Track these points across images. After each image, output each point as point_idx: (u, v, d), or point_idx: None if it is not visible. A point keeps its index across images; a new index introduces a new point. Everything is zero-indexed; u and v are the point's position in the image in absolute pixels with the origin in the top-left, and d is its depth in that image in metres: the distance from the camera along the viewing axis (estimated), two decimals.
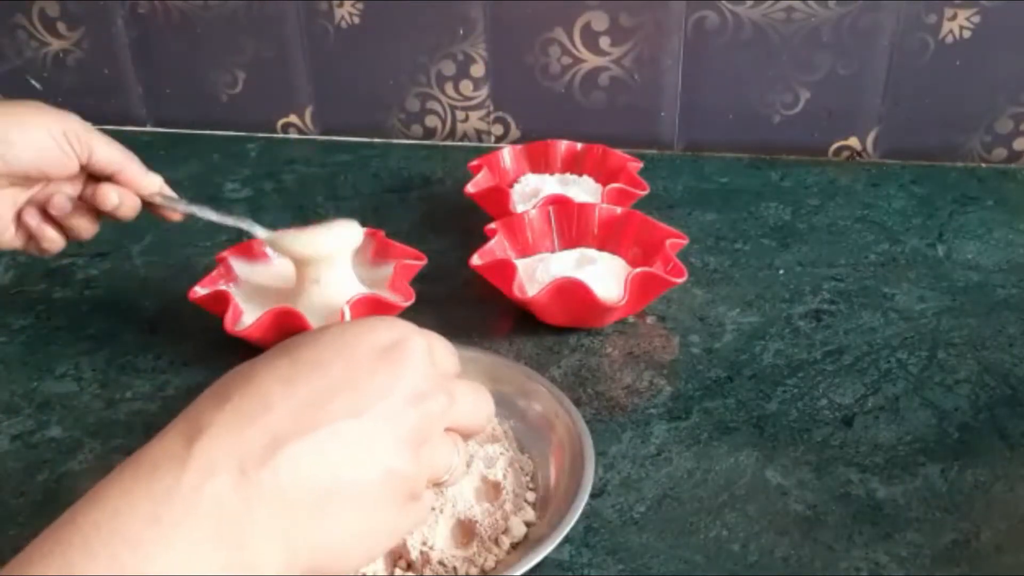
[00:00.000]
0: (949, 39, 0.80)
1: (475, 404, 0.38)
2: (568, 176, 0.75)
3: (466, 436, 0.39)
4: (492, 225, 0.64)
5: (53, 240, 0.56)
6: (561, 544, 0.41)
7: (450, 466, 0.37)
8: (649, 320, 0.61)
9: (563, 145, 0.77)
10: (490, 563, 0.41)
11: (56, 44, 0.93)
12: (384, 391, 0.34)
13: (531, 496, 0.45)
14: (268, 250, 0.63)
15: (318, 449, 0.32)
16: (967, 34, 0.79)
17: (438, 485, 0.38)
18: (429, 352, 0.36)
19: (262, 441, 0.32)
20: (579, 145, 0.77)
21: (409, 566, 0.41)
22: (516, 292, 0.57)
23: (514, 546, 0.42)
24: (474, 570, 0.41)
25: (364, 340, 0.36)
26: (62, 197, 0.55)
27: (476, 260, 0.60)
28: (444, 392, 0.36)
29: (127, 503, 0.30)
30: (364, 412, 0.33)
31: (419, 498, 0.36)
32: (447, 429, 0.37)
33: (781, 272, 0.67)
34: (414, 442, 0.34)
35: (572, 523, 0.41)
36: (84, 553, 0.28)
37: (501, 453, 0.46)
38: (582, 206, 0.65)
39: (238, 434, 0.32)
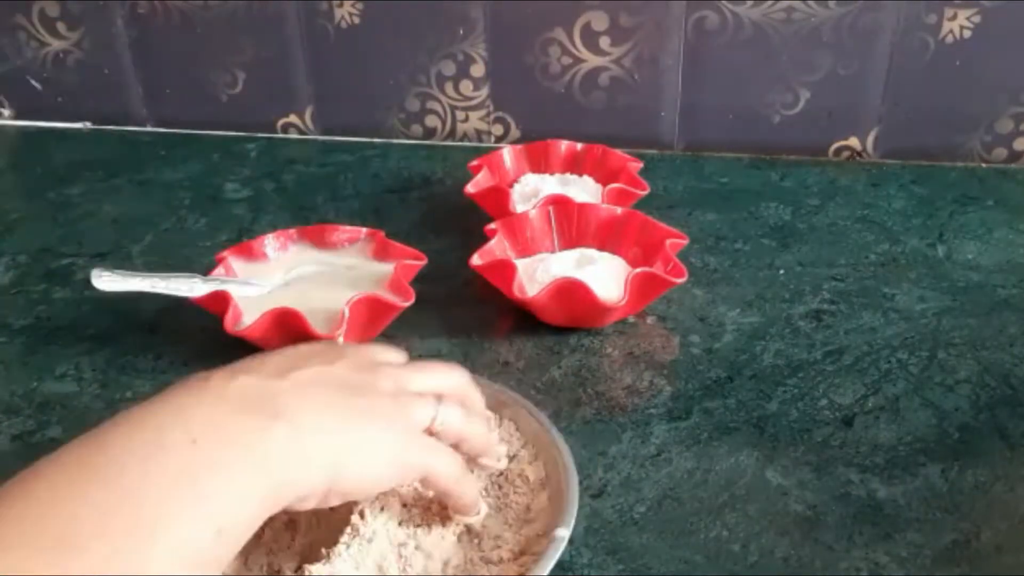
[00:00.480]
0: (949, 39, 0.80)
1: (432, 372, 0.43)
2: (568, 176, 0.75)
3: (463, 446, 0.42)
4: (492, 225, 0.64)
5: None
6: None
7: (431, 414, 0.40)
8: (649, 320, 0.61)
9: (563, 145, 0.77)
10: None
11: (56, 44, 0.93)
12: (339, 354, 0.40)
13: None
14: (268, 250, 0.63)
15: (316, 379, 0.37)
16: (967, 34, 0.79)
17: (446, 438, 0.41)
18: (364, 348, 0.43)
19: (271, 372, 0.37)
20: (579, 145, 0.77)
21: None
22: (516, 292, 0.57)
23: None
24: None
25: (299, 345, 0.41)
26: None
27: (476, 260, 0.59)
28: (391, 365, 0.42)
29: (165, 396, 0.35)
30: (334, 362, 0.39)
31: (414, 431, 0.39)
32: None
33: (781, 272, 0.67)
34: (384, 386, 0.39)
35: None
36: (141, 426, 0.33)
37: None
38: (582, 206, 0.65)
39: (251, 365, 0.38)
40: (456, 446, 0.41)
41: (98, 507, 0.30)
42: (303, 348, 0.41)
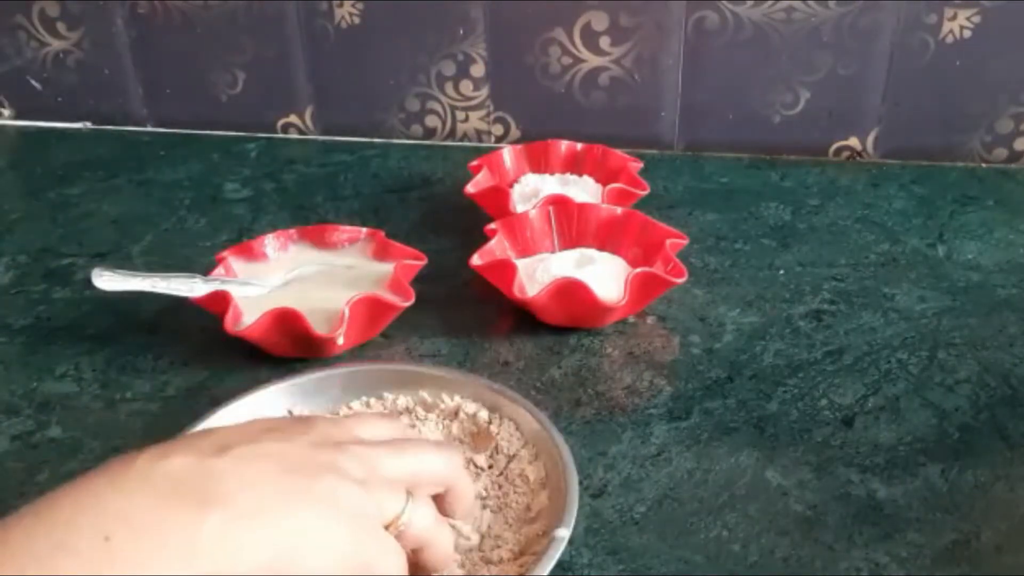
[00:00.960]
0: (949, 39, 0.80)
1: (417, 455, 0.38)
2: (568, 176, 0.75)
3: (440, 497, 0.39)
4: (492, 225, 0.64)
5: None
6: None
7: (397, 510, 0.35)
8: (649, 320, 0.61)
9: (563, 145, 0.77)
10: None
11: (56, 44, 0.93)
12: (305, 429, 0.36)
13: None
14: (268, 250, 0.63)
15: (263, 452, 0.33)
16: (967, 34, 0.79)
17: (407, 541, 0.36)
18: (341, 422, 0.39)
19: (213, 446, 0.33)
20: (579, 145, 0.77)
21: None
22: (516, 292, 0.57)
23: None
24: None
25: (264, 419, 0.39)
26: None
27: (476, 260, 0.59)
28: (365, 445, 0.37)
29: (86, 480, 0.31)
30: (293, 441, 0.34)
31: (374, 525, 0.35)
32: (393, 483, 0.36)
33: (781, 272, 0.67)
34: (352, 470, 0.35)
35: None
36: (48, 516, 0.29)
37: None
38: (582, 206, 0.65)
39: (193, 443, 0.33)
40: (414, 551, 0.37)
41: None
42: (261, 422, 0.37)
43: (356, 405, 0.50)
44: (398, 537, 0.35)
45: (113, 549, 0.28)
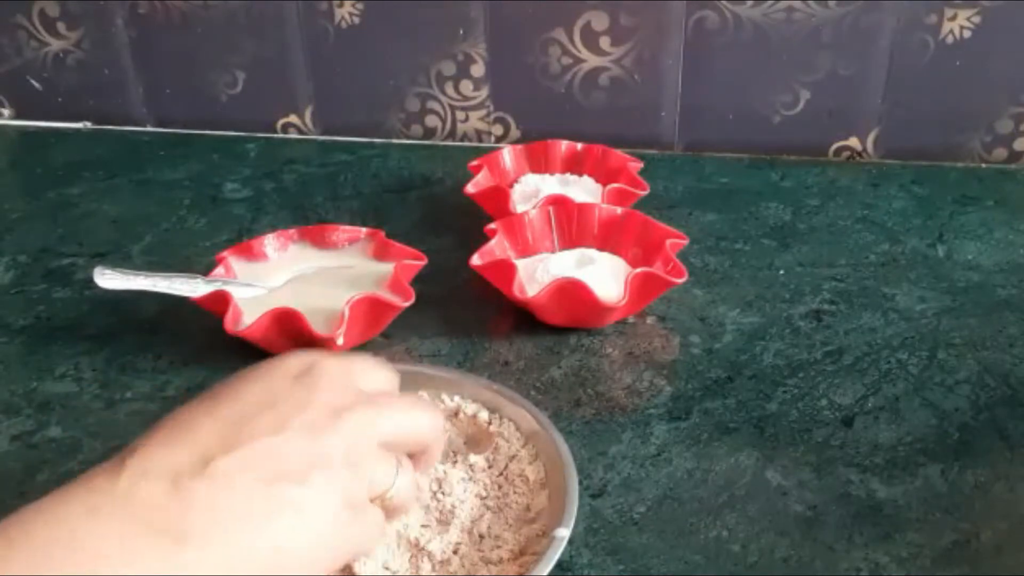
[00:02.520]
0: (949, 39, 0.80)
1: (409, 415, 0.38)
2: (568, 176, 0.75)
3: (414, 455, 0.39)
4: (492, 225, 0.64)
5: None
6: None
7: (389, 481, 0.36)
8: (649, 320, 0.61)
9: (563, 145, 0.77)
10: None
11: (56, 44, 0.93)
12: (301, 405, 0.35)
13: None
14: (268, 250, 0.63)
15: (247, 464, 0.32)
16: (967, 34, 0.79)
17: (389, 510, 0.37)
18: (346, 372, 0.38)
19: (192, 458, 0.32)
20: (579, 145, 0.77)
21: None
22: (516, 292, 0.57)
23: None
24: None
25: (277, 369, 0.37)
26: None
27: (476, 260, 0.59)
28: (366, 403, 0.36)
29: (63, 501, 0.31)
30: (285, 427, 0.34)
31: (362, 509, 0.36)
32: (385, 446, 0.37)
33: (781, 272, 0.67)
34: (343, 452, 0.35)
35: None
36: (23, 546, 0.29)
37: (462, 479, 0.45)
38: (582, 206, 0.65)
39: (169, 454, 0.32)
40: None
41: None
42: (261, 394, 0.35)
43: None
44: (383, 508, 0.37)
45: None
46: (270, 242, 0.64)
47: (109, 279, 0.57)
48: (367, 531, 0.36)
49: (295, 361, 0.38)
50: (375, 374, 0.40)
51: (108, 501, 0.30)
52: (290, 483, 0.33)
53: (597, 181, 0.74)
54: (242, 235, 0.73)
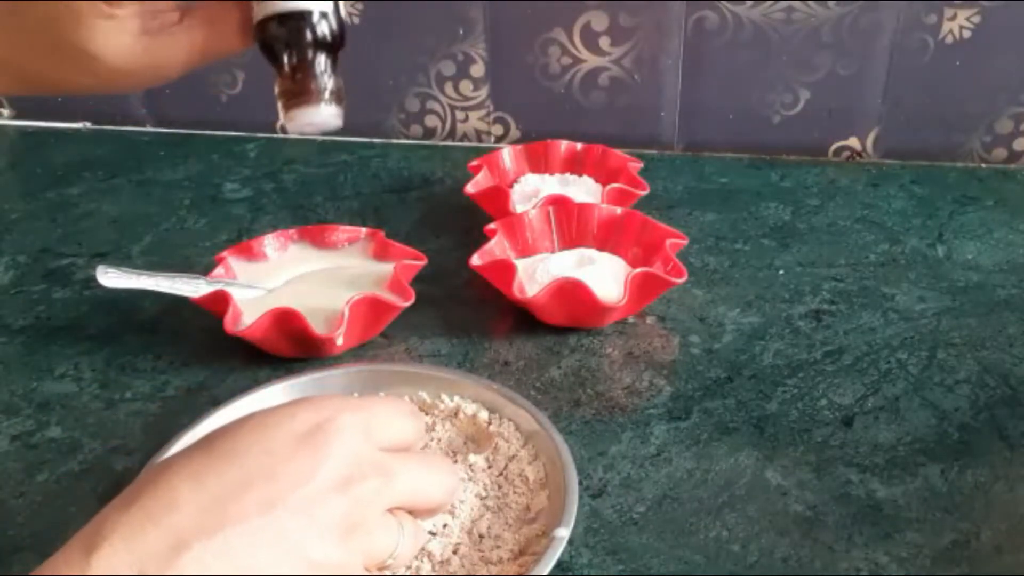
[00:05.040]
0: (949, 39, 0.80)
1: (425, 479, 0.37)
2: (568, 176, 0.75)
3: (422, 514, 0.38)
4: (492, 225, 0.64)
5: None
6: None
7: (391, 549, 0.35)
8: (649, 320, 0.61)
9: (563, 145, 0.77)
10: None
11: None
12: (302, 479, 0.32)
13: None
14: (268, 250, 0.63)
15: (226, 550, 0.30)
16: (967, 34, 0.79)
17: (382, 569, 0.36)
18: (362, 429, 0.35)
19: (165, 544, 0.29)
20: (579, 145, 0.77)
21: None
22: (516, 292, 0.57)
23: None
24: None
25: (284, 425, 0.34)
26: None
27: (476, 260, 0.59)
28: (378, 472, 0.34)
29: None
30: (278, 504, 0.31)
31: (366, 558, 0.34)
32: (393, 509, 0.35)
33: (781, 272, 0.67)
34: (341, 529, 0.32)
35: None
36: None
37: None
38: (582, 206, 0.65)
39: (141, 539, 0.30)
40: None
41: None
42: (260, 456, 0.32)
43: None
44: (383, 568, 0.35)
45: None
46: (270, 242, 0.64)
47: (112, 278, 0.57)
48: None
49: (306, 415, 0.34)
50: (397, 424, 0.37)
51: None
52: (274, 570, 0.30)
53: (597, 181, 0.74)
54: (242, 235, 0.73)
